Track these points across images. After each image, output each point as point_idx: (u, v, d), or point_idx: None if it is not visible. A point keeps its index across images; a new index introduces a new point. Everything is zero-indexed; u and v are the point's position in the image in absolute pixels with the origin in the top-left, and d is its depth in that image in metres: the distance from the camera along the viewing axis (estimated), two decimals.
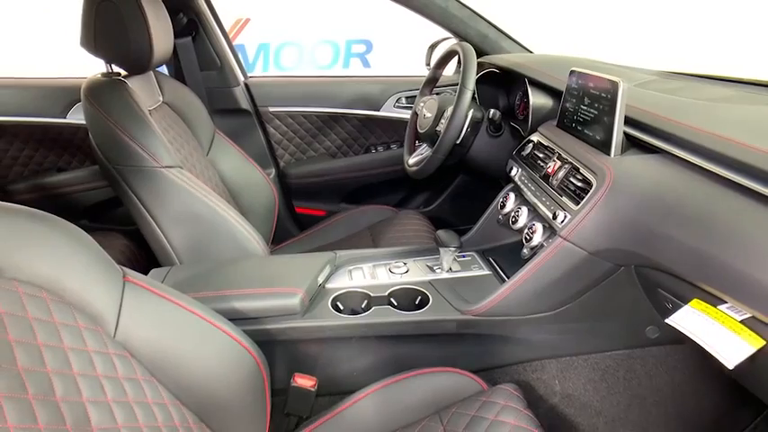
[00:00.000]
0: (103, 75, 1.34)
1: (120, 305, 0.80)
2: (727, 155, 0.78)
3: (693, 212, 0.79)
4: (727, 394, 1.14)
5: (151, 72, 1.46)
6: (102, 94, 1.26)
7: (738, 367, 0.75)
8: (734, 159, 0.77)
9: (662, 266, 0.85)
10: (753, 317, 0.72)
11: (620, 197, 0.90)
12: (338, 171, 2.01)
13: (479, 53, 1.72)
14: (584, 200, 0.94)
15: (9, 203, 0.74)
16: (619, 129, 0.97)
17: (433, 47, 1.80)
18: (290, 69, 4.06)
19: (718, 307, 0.77)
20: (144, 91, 1.38)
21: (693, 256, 0.77)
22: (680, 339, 1.02)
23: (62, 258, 0.75)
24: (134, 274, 0.86)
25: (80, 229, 0.80)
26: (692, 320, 0.78)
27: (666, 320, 0.81)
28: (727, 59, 2.61)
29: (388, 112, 1.94)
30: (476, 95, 1.56)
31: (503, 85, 1.61)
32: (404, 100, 1.92)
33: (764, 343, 0.70)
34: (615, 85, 0.96)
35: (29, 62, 2.60)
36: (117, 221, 1.84)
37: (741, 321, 0.73)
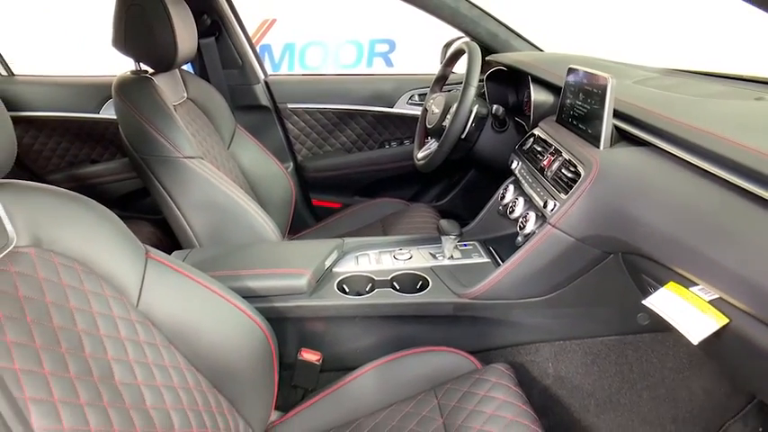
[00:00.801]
0: (132, 73, 1.45)
1: (143, 278, 0.89)
2: (706, 147, 0.83)
3: (670, 201, 0.85)
4: (717, 381, 1.18)
5: (176, 70, 1.56)
6: (131, 90, 1.37)
7: (712, 346, 0.80)
8: (711, 152, 0.82)
9: (642, 252, 0.90)
10: (720, 298, 0.77)
11: (604, 187, 0.95)
12: (353, 165, 2.09)
13: (490, 51, 1.78)
14: (573, 189, 1.00)
15: (50, 185, 0.84)
16: (608, 123, 1.02)
17: (447, 45, 1.86)
18: (314, 69, 4.13)
19: (690, 289, 0.82)
20: (169, 87, 1.48)
21: (668, 241, 0.83)
22: (670, 327, 1.07)
23: (92, 235, 0.84)
24: (156, 252, 0.95)
25: (109, 211, 0.90)
26: (665, 301, 0.83)
27: (643, 302, 0.86)
28: (742, 57, 2.60)
29: (401, 108, 2.01)
30: (485, 92, 1.62)
31: (511, 83, 1.66)
32: (416, 97, 1.99)
33: (728, 321, 0.75)
34: (605, 81, 1.02)
35: (60, 60, 2.74)
36: (145, 210, 1.96)
37: (709, 302, 0.78)
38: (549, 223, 1.02)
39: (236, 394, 0.97)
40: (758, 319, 0.70)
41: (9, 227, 0.74)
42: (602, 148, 1.02)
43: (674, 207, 0.83)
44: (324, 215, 2.02)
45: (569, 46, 1.85)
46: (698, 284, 0.81)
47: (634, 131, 1.01)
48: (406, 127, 2.06)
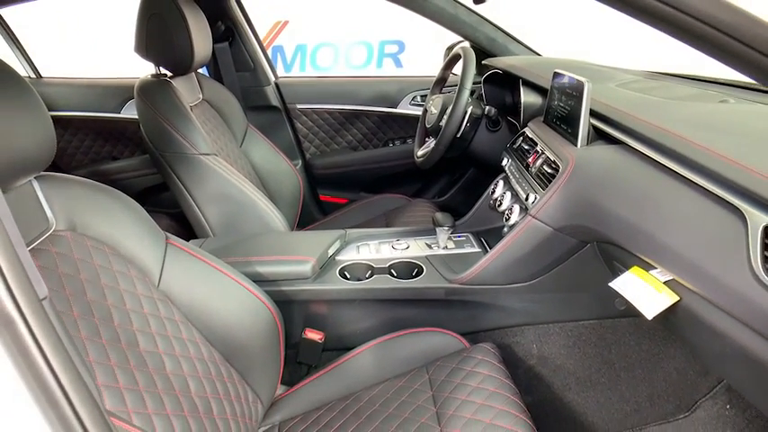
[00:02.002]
0: (153, 76, 1.57)
1: (163, 262, 1.01)
2: (666, 145, 0.92)
3: (633, 193, 0.94)
4: (690, 362, 1.27)
5: (193, 73, 1.68)
6: (152, 92, 1.49)
7: (672, 324, 0.90)
8: (670, 149, 0.91)
9: (611, 239, 1.00)
10: (674, 279, 0.86)
11: (578, 181, 1.05)
12: (359, 163, 2.20)
13: (488, 55, 1.87)
14: (551, 184, 1.10)
15: (82, 178, 0.95)
16: (584, 122, 1.11)
17: (449, 49, 1.96)
18: (325, 69, 4.22)
19: (650, 272, 0.91)
20: (186, 89, 1.60)
21: (631, 229, 0.92)
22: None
23: (119, 222, 0.96)
24: (175, 239, 1.07)
25: (133, 201, 1.02)
26: (628, 283, 0.93)
27: (609, 284, 0.96)
28: None
29: (405, 109, 2.12)
30: (482, 94, 1.71)
31: (507, 85, 1.75)
32: (419, 98, 2.09)
33: (678, 299, 0.85)
34: (581, 84, 1.11)
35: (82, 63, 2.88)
36: (163, 205, 2.09)
37: (665, 282, 0.88)
38: (530, 214, 1.12)
39: (246, 367, 1.07)
40: (703, 297, 0.79)
41: (49, 213, 0.86)
42: (579, 146, 1.12)
43: (636, 198, 0.92)
44: (331, 210, 2.13)
45: (570, 51, 1.94)
46: (656, 268, 0.91)
47: (609, 131, 1.10)
48: (408, 126, 2.16)
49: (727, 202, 0.76)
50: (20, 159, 0.75)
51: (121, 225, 0.97)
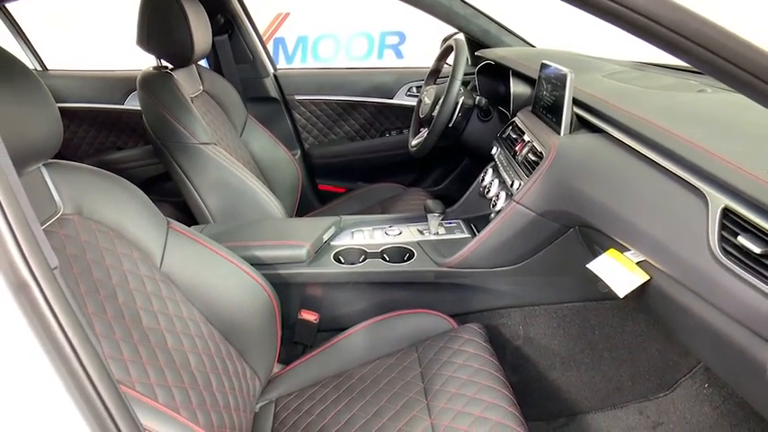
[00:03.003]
0: (154, 68, 1.62)
1: (165, 245, 1.06)
2: (642, 133, 0.97)
3: (610, 178, 0.99)
4: (671, 343, 1.32)
5: (193, 65, 1.73)
6: (153, 84, 1.54)
7: (645, 303, 0.95)
8: (645, 137, 0.96)
9: (590, 223, 1.05)
10: (645, 260, 0.92)
11: (560, 168, 1.10)
12: (356, 152, 2.25)
13: (482, 47, 1.91)
14: (534, 170, 1.15)
15: (88, 165, 1.01)
16: (567, 112, 1.16)
17: (445, 40, 2.00)
18: (327, 60, 4.25)
19: (625, 253, 0.96)
20: (187, 81, 1.65)
21: (607, 212, 0.97)
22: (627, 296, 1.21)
23: (123, 207, 1.02)
24: (176, 224, 1.12)
25: (137, 188, 1.07)
26: (604, 264, 0.98)
27: (587, 265, 1.01)
28: None
29: (401, 100, 2.17)
30: (476, 84, 1.76)
31: (500, 76, 1.79)
32: (414, 89, 2.14)
33: (649, 278, 0.90)
34: (564, 75, 1.15)
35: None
36: (165, 194, 2.14)
37: (637, 263, 0.93)
38: (514, 200, 1.17)
39: (244, 346, 1.13)
40: (670, 276, 0.85)
41: (57, 197, 0.91)
42: (562, 134, 1.16)
43: (613, 183, 0.97)
44: (329, 198, 2.19)
45: (568, 44, 1.97)
46: (630, 250, 0.96)
47: (591, 119, 1.15)
48: (405, 117, 2.21)
49: (693, 185, 0.80)
50: (30, 146, 0.80)
51: (125, 210, 1.02)
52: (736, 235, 0.70)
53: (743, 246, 0.68)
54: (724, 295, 0.71)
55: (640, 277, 0.91)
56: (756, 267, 0.66)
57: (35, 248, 0.48)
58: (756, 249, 0.66)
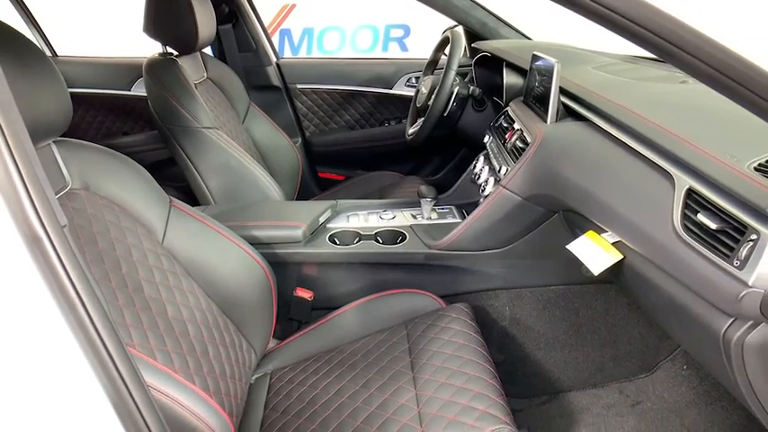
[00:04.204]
0: (160, 55, 1.68)
1: (167, 221, 1.12)
2: (621, 120, 1.02)
3: (590, 163, 1.04)
4: (653, 326, 1.37)
5: (198, 53, 1.78)
6: (159, 69, 1.60)
7: (621, 280, 1.00)
8: (623, 123, 1.01)
9: (571, 207, 1.10)
10: (620, 240, 0.97)
11: (545, 154, 1.15)
12: (356, 141, 2.30)
13: (480, 39, 1.95)
14: (521, 156, 1.20)
15: (96, 145, 1.07)
16: (554, 101, 1.20)
17: (445, 32, 2.04)
18: (332, 53, 4.28)
19: (602, 235, 1.01)
20: (191, 68, 1.70)
21: (585, 195, 1.02)
22: (610, 279, 1.26)
23: (128, 184, 1.07)
24: (178, 202, 1.18)
25: (141, 167, 1.13)
26: (582, 245, 1.03)
27: (567, 246, 1.06)
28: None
29: (400, 90, 2.21)
30: (473, 75, 1.80)
31: (497, 68, 1.84)
32: (413, 80, 2.18)
33: (622, 257, 0.95)
34: (552, 65, 1.20)
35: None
36: (171, 179, 2.20)
37: (612, 243, 0.98)
38: (501, 184, 1.22)
39: (242, 320, 1.18)
40: (641, 254, 0.90)
41: (66, 173, 0.97)
42: (548, 122, 1.21)
43: (592, 168, 1.02)
44: (328, 186, 2.24)
45: (562, 36, 2.01)
46: (607, 231, 1.01)
47: (576, 108, 1.19)
48: (404, 107, 2.25)
49: (663, 168, 0.85)
50: (41, 122, 0.86)
51: (130, 187, 1.08)
52: (696, 213, 0.74)
53: (702, 223, 0.73)
54: (685, 269, 0.76)
55: (614, 256, 0.96)
56: (712, 242, 0.71)
57: (47, 206, 0.53)
58: (713, 225, 0.71)
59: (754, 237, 0.65)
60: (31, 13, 2.23)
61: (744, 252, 0.65)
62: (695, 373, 1.32)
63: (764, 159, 0.75)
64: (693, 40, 0.58)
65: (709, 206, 0.74)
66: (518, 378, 1.40)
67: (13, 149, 0.51)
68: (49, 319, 0.55)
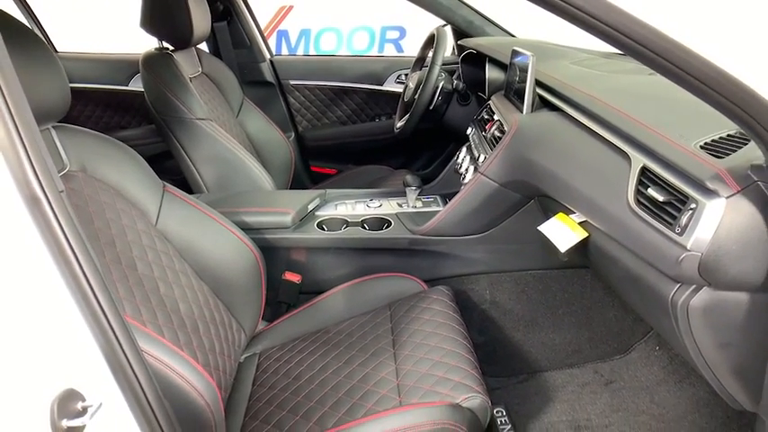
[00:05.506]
0: (156, 49, 1.74)
1: (161, 205, 1.17)
2: (586, 107, 1.08)
3: (559, 149, 1.10)
4: (627, 309, 1.43)
5: (193, 48, 1.84)
6: (155, 62, 1.66)
7: (589, 258, 1.06)
8: (588, 110, 1.07)
9: (543, 191, 1.16)
10: (586, 220, 1.03)
11: (519, 141, 1.21)
12: (347, 136, 2.36)
13: (466, 37, 2.01)
14: (497, 145, 1.26)
15: (93, 131, 1.12)
16: (529, 92, 1.26)
17: None
18: (328, 53, 4.34)
19: (570, 216, 1.07)
20: (187, 62, 1.77)
21: (554, 178, 1.08)
22: (585, 264, 1.32)
23: (123, 168, 1.13)
24: (171, 187, 1.23)
25: (136, 153, 1.19)
26: (552, 226, 1.10)
27: (538, 228, 1.12)
28: None
29: (391, 86, 2.28)
30: (460, 71, 1.86)
31: (482, 64, 1.90)
32: (403, 76, 2.25)
33: (587, 234, 1.01)
34: (527, 59, 1.26)
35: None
36: (167, 172, 2.25)
37: (579, 223, 1.04)
38: (479, 171, 1.28)
39: (232, 301, 1.23)
40: (602, 231, 0.96)
41: (64, 155, 1.03)
42: (524, 112, 1.27)
43: (560, 152, 1.08)
44: (320, 179, 2.30)
45: (548, 34, 2.06)
46: (575, 213, 1.07)
47: (551, 99, 1.25)
48: (394, 103, 2.31)
49: (620, 149, 0.91)
50: (43, 106, 0.92)
51: (125, 171, 1.14)
52: (647, 188, 0.81)
53: (651, 196, 0.79)
54: (637, 239, 0.82)
55: (579, 234, 1.02)
56: (659, 213, 0.77)
57: (46, 171, 0.59)
58: (660, 198, 0.77)
59: (693, 206, 0.71)
60: (30, 9, 2.30)
61: (684, 219, 0.71)
62: (666, 353, 1.38)
63: (710, 138, 0.81)
64: (651, 37, 0.64)
65: (659, 181, 0.80)
66: (497, 358, 1.46)
67: (15, 117, 0.57)
68: (46, 275, 0.60)
